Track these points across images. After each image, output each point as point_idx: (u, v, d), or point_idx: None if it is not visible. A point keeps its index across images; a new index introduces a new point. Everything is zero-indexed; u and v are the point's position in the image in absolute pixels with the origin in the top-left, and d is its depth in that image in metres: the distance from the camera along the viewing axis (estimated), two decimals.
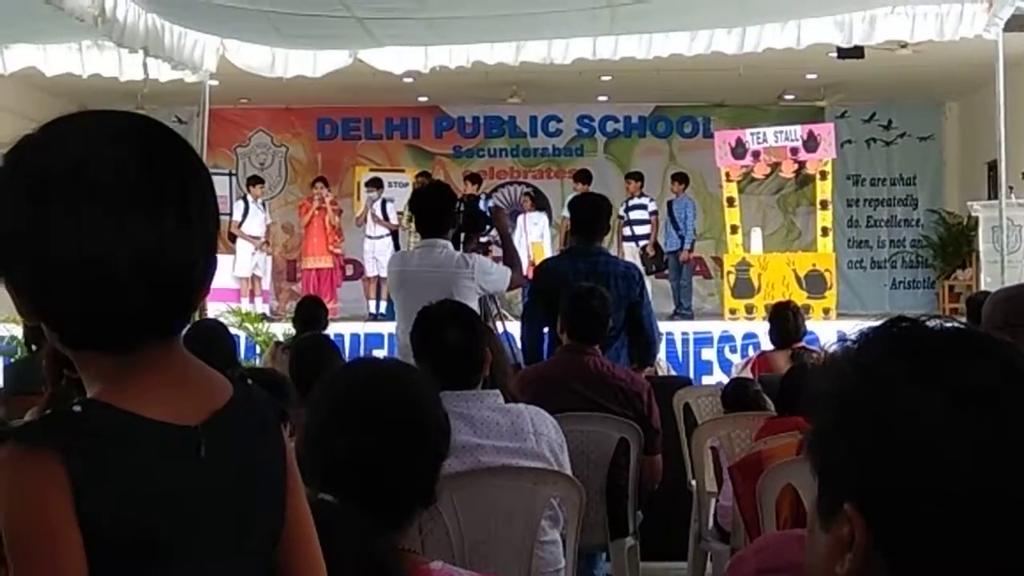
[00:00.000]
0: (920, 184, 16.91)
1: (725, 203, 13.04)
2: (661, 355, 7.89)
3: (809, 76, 14.32)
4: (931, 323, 1.04)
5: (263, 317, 12.41)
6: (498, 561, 3.13)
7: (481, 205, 11.79)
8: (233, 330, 7.20)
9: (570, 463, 3.45)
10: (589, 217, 6.02)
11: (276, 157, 17.06)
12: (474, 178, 14.28)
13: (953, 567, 0.97)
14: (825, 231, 12.87)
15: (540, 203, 15.73)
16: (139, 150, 1.28)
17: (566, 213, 12.36)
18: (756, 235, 13.25)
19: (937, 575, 0.98)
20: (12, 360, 8.91)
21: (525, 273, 7.15)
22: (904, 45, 10.63)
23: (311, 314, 6.94)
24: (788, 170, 12.96)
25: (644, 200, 13.80)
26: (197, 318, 5.61)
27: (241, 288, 13.55)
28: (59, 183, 1.24)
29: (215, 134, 12.40)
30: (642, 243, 13.54)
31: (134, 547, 1.23)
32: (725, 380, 7.40)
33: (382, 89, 13.62)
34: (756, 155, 12.69)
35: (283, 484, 1.42)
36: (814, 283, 12.25)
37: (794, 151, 12.58)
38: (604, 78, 13.76)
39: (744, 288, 12.35)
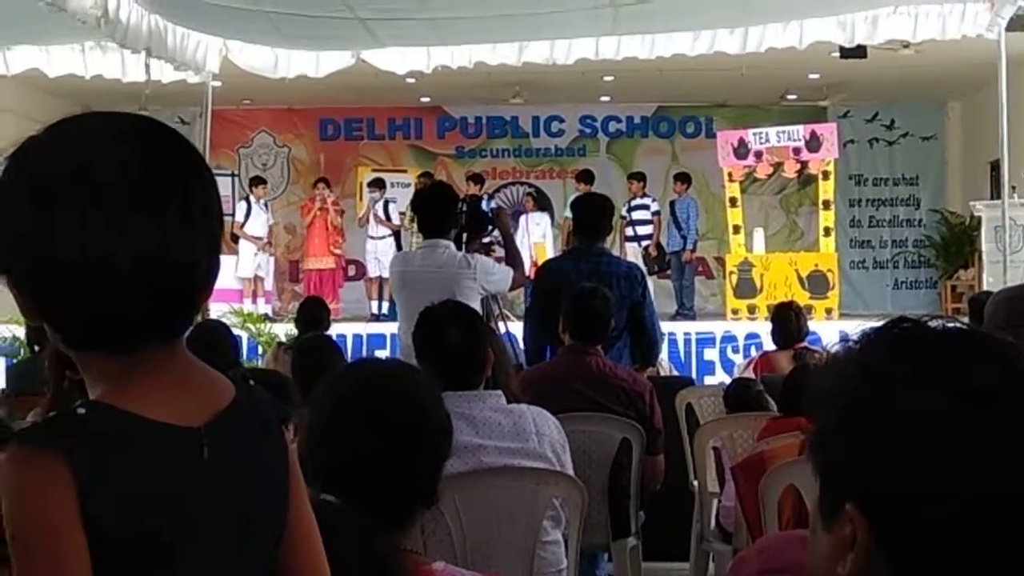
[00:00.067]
0: (922, 184, 16.90)
1: (727, 203, 13.03)
2: (663, 355, 7.88)
3: (812, 76, 14.31)
4: (933, 323, 1.04)
5: (265, 318, 12.42)
6: (500, 561, 3.13)
7: (483, 205, 11.77)
8: (235, 331, 7.18)
9: (572, 463, 3.45)
10: (591, 217, 6.02)
11: (278, 157, 17.07)
12: (476, 178, 14.27)
13: (955, 567, 0.97)
14: (827, 231, 12.86)
15: (542, 203, 15.72)
16: (142, 151, 1.28)
17: (568, 213, 12.34)
18: (758, 235, 13.24)
19: (939, 575, 0.98)
20: (14, 361, 8.91)
21: (527, 273, 7.15)
22: (907, 45, 10.63)
23: (313, 315, 6.94)
24: (790, 170, 12.94)
25: (646, 200, 13.81)
26: (199, 319, 5.61)
27: (243, 289, 13.56)
28: (63, 184, 1.24)
29: (217, 135, 12.40)
30: (644, 243, 13.54)
31: (137, 548, 1.23)
32: (727, 380, 7.39)
33: (384, 89, 13.62)
34: (759, 155, 12.68)
35: (285, 485, 1.42)
36: (816, 283, 12.24)
37: (796, 151, 12.57)
38: (606, 78, 13.76)
39: (746, 288, 12.35)
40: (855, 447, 1.01)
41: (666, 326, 8.36)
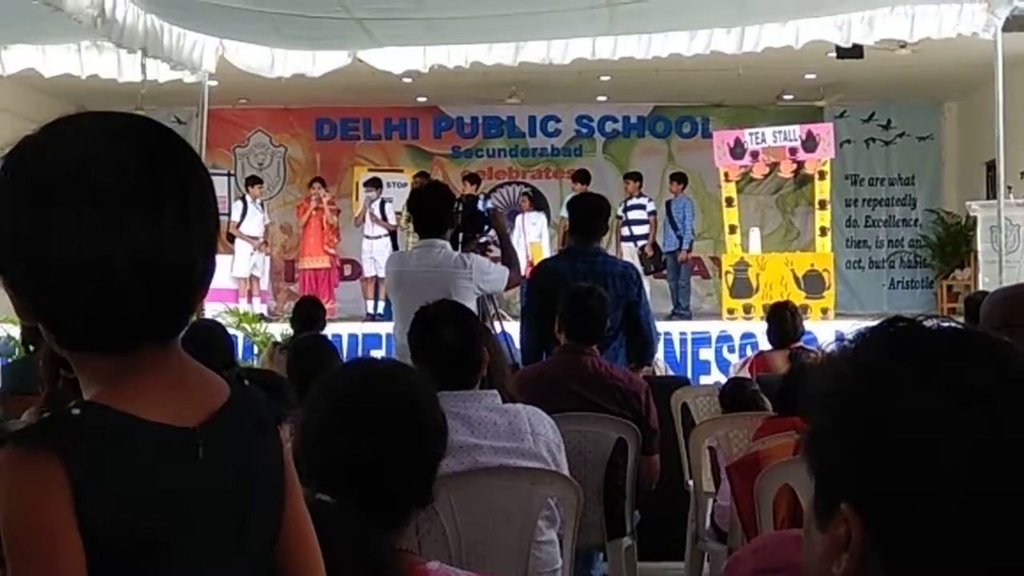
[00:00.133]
0: (919, 184, 16.92)
1: (724, 203, 13.05)
2: (659, 355, 7.88)
3: (808, 76, 14.32)
4: (929, 323, 1.04)
5: (261, 317, 12.41)
6: (495, 561, 3.12)
7: (480, 205, 11.78)
8: (231, 330, 7.21)
9: (568, 463, 3.45)
10: (588, 217, 6.02)
11: (275, 157, 17.07)
12: (473, 178, 14.28)
13: (950, 567, 0.97)
14: (823, 231, 12.87)
15: (538, 203, 15.73)
16: (138, 150, 1.27)
17: (564, 213, 12.34)
18: (754, 235, 13.26)
19: (934, 575, 0.98)
20: (9, 360, 8.91)
21: (523, 273, 7.15)
22: (903, 45, 10.64)
23: (309, 314, 6.94)
24: (787, 170, 12.97)
25: (643, 200, 13.82)
26: (195, 319, 5.60)
27: (239, 288, 13.55)
28: (58, 184, 1.24)
29: (214, 134, 12.40)
30: (640, 243, 13.55)
31: (132, 548, 1.23)
32: (723, 380, 7.40)
33: (381, 89, 13.62)
34: (755, 155, 12.69)
35: (281, 485, 1.42)
36: (812, 283, 12.25)
37: (793, 151, 12.58)
38: (603, 78, 13.76)
39: (742, 288, 12.36)
40: (850, 446, 1.01)
41: (662, 326, 8.35)
